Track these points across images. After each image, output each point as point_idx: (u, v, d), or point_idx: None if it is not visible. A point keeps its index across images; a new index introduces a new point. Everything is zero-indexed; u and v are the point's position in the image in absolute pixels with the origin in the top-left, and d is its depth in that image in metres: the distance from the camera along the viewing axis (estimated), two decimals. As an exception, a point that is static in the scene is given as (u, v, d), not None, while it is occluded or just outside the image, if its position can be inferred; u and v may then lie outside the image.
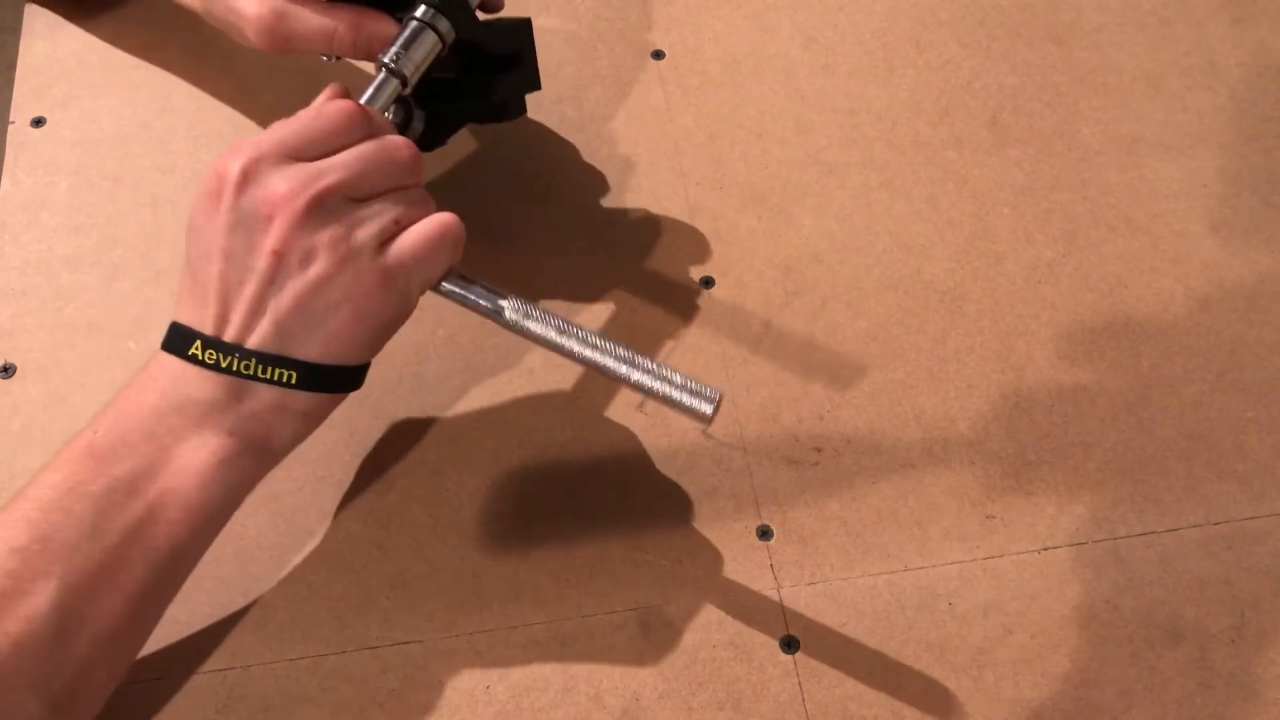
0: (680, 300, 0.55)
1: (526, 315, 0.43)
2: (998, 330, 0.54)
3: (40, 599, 0.38)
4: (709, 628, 0.47)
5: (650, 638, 0.47)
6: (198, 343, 0.40)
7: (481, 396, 0.53)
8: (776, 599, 0.48)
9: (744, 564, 0.49)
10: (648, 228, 0.57)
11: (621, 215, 0.58)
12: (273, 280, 0.39)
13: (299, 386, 0.40)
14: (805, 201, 0.58)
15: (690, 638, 0.47)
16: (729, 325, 0.55)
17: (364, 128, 0.43)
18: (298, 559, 0.49)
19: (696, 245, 0.57)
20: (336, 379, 0.41)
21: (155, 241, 0.57)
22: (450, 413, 0.52)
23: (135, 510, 0.39)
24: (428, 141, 0.52)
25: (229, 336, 0.40)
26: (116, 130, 0.60)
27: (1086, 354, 0.54)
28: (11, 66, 0.62)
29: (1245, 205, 0.58)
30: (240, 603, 0.48)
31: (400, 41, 0.47)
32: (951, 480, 0.51)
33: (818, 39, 0.64)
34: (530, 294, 0.54)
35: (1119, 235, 0.57)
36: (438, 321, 0.54)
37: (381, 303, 0.41)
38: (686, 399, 0.42)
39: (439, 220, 0.43)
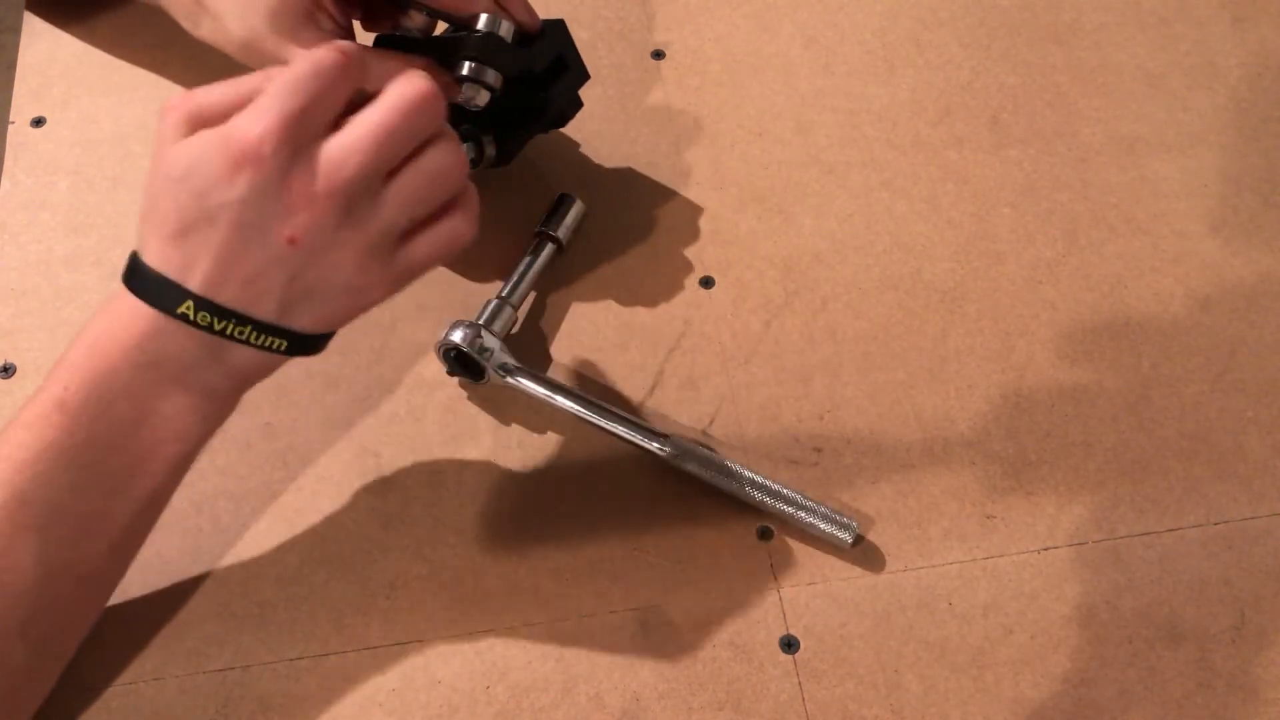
0: (680, 300, 0.55)
1: (687, 456, 0.49)
2: (998, 330, 0.54)
3: (24, 553, 0.39)
4: (709, 628, 0.47)
5: (650, 638, 0.47)
6: (189, 303, 0.39)
7: (481, 397, 0.53)
8: (776, 599, 0.48)
9: (744, 564, 0.49)
10: (648, 228, 0.57)
11: (622, 215, 0.58)
12: (283, 261, 0.39)
13: (287, 353, 0.41)
14: (805, 201, 0.58)
15: (690, 638, 0.47)
16: (729, 325, 0.55)
17: (363, 73, 0.40)
18: (298, 559, 0.49)
19: (696, 245, 0.57)
20: (317, 345, 0.42)
21: (155, 241, 0.57)
22: (450, 413, 0.52)
23: (116, 466, 0.40)
24: (500, 161, 0.54)
25: (225, 300, 0.39)
26: (116, 130, 0.60)
27: (1086, 354, 0.54)
28: (11, 67, 0.62)
29: (1245, 205, 0.58)
30: (240, 603, 0.48)
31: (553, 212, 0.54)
32: (951, 480, 0.51)
33: (818, 39, 0.64)
34: (531, 294, 0.54)
35: (1119, 235, 0.57)
36: (438, 322, 0.54)
37: (381, 295, 0.42)
38: (828, 528, 0.48)
39: (451, 230, 0.42)
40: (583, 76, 0.54)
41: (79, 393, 0.39)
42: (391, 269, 0.41)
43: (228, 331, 0.39)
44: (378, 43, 0.50)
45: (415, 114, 0.40)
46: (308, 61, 0.39)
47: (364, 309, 0.42)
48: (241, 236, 0.38)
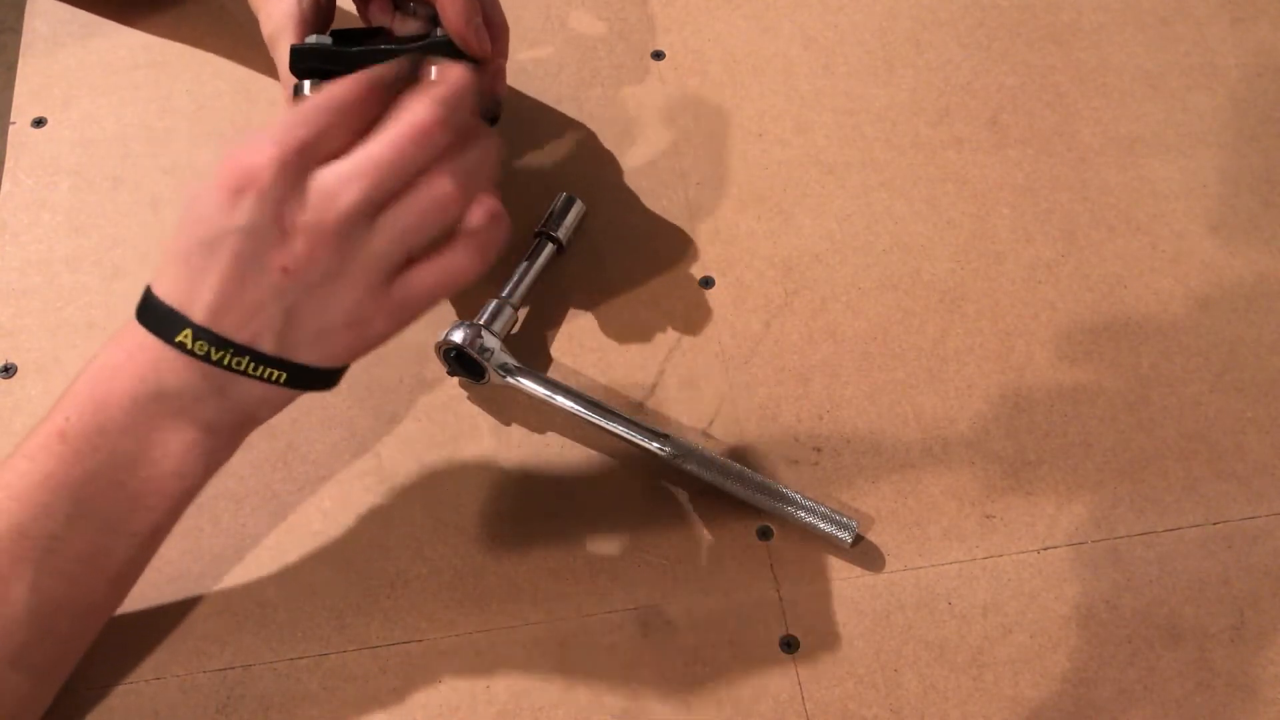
0: (680, 300, 0.55)
1: (687, 456, 0.49)
2: (998, 330, 0.54)
3: (20, 585, 0.38)
4: (709, 628, 0.47)
5: (650, 638, 0.47)
6: (188, 331, 0.38)
7: (481, 397, 0.53)
8: (776, 599, 0.48)
9: (744, 564, 0.49)
10: (648, 228, 0.58)
11: (622, 215, 0.58)
12: (280, 291, 0.38)
13: (287, 385, 0.40)
14: (805, 201, 0.58)
15: (690, 638, 0.47)
16: (729, 325, 0.55)
17: (381, 105, 0.40)
18: (298, 559, 0.49)
19: (696, 245, 0.57)
20: (321, 379, 0.41)
21: (156, 241, 0.57)
22: (450, 413, 0.52)
23: (115, 501, 0.40)
24: None
25: (224, 331, 0.39)
26: (117, 130, 0.60)
27: (1086, 354, 0.54)
28: (12, 67, 0.62)
29: (1245, 205, 0.58)
30: (241, 602, 0.48)
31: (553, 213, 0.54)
32: (951, 480, 0.51)
33: (818, 39, 0.64)
34: (531, 294, 0.54)
35: (1119, 235, 0.57)
36: (438, 322, 0.54)
37: (383, 329, 0.41)
38: (828, 527, 0.48)
39: (449, 265, 0.41)
40: None
41: (79, 423, 0.39)
42: (388, 301, 0.40)
43: (225, 362, 0.39)
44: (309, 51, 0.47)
45: (416, 147, 0.39)
46: (323, 94, 0.39)
47: (370, 343, 0.41)
48: (239, 265, 0.38)
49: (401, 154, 0.39)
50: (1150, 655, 0.47)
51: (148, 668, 0.46)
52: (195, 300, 0.38)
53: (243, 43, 0.63)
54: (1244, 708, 0.46)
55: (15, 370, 0.53)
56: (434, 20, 0.48)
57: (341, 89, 0.39)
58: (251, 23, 0.56)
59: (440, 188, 0.39)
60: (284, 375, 0.40)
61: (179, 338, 0.38)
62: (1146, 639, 0.47)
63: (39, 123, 0.60)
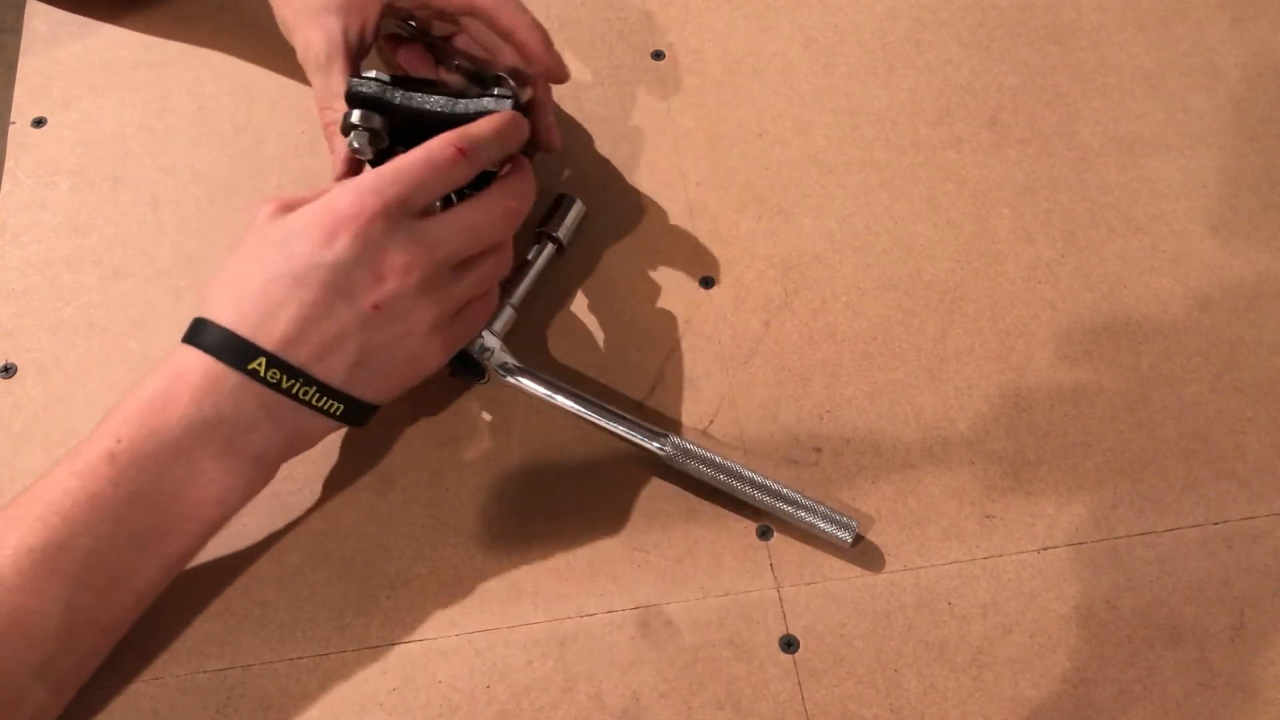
0: (680, 300, 0.55)
1: (686, 456, 0.49)
2: (998, 330, 0.54)
3: (53, 599, 0.39)
4: (709, 628, 0.47)
5: (650, 638, 0.47)
6: (261, 359, 0.40)
7: (481, 397, 0.53)
8: (776, 599, 0.48)
9: (744, 564, 0.49)
10: (648, 228, 0.58)
11: (622, 215, 0.58)
12: (363, 326, 0.41)
13: (339, 419, 0.43)
14: (805, 201, 0.58)
15: (690, 638, 0.47)
16: (729, 325, 0.55)
17: (475, 167, 0.44)
18: (298, 559, 0.49)
19: (696, 245, 0.57)
20: (364, 415, 0.44)
21: (156, 241, 0.57)
22: (450, 413, 0.52)
23: (154, 523, 0.41)
24: None
25: (296, 360, 0.41)
26: (117, 130, 0.60)
27: (1086, 354, 0.54)
28: (12, 67, 0.62)
29: (1245, 205, 0.58)
30: (240, 602, 0.48)
31: (556, 214, 0.55)
32: (951, 480, 0.51)
33: (818, 39, 0.64)
34: (531, 294, 0.54)
35: (1119, 235, 0.57)
36: (438, 321, 0.54)
37: (430, 366, 0.45)
38: (828, 527, 0.47)
39: (486, 306, 0.47)
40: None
41: (130, 445, 0.40)
42: (441, 340, 0.44)
43: (294, 390, 0.41)
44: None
45: (511, 221, 0.45)
46: (422, 151, 0.43)
47: (415, 380, 0.45)
48: (328, 299, 0.41)
49: (500, 225, 0.45)
50: (1150, 655, 0.47)
51: (148, 667, 0.46)
52: (270, 330, 0.40)
53: (243, 43, 0.63)
54: (1244, 708, 0.46)
55: (15, 370, 0.53)
56: (471, 76, 0.51)
57: (435, 149, 0.43)
58: (252, 24, 0.57)
59: (506, 257, 0.47)
60: (341, 408, 0.43)
61: (252, 365, 0.40)
62: (1146, 639, 0.47)
63: (39, 123, 0.60)
